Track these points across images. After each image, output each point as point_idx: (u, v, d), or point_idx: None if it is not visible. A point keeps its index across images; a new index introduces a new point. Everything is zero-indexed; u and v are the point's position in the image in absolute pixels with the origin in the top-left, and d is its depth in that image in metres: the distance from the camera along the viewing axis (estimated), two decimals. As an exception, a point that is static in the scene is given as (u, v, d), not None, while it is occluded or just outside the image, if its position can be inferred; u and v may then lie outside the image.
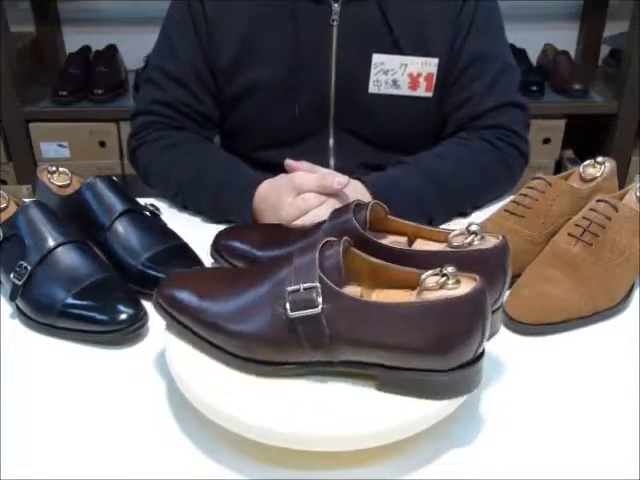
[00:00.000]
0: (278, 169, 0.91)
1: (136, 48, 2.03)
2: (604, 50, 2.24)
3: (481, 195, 0.98)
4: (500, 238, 0.60)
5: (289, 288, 0.54)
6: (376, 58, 0.97)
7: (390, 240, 0.67)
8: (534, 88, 1.99)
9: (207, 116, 1.04)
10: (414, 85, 0.99)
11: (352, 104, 1.00)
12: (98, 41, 2.12)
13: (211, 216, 0.94)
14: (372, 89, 0.99)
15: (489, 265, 0.59)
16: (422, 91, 1.00)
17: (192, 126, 1.03)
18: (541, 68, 2.13)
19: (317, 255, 0.54)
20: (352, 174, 0.89)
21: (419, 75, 0.99)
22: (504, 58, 1.03)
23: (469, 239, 0.60)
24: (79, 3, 2.14)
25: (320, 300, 0.52)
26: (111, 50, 2.11)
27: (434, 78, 0.99)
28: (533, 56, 2.15)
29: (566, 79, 2.02)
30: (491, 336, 0.61)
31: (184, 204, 0.97)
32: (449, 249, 0.61)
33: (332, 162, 1.05)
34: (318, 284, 0.53)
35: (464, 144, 0.99)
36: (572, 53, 2.17)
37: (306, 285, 0.53)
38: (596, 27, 2.20)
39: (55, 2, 2.14)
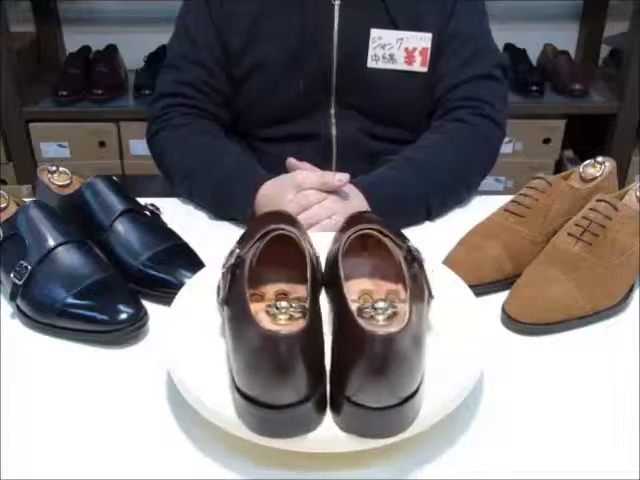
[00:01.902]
0: (283, 144, 0.97)
1: (136, 48, 2.03)
2: (604, 50, 2.25)
3: (466, 171, 1.00)
4: (398, 328, 0.48)
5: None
6: (374, 33, 1.02)
7: None
8: (534, 88, 1.99)
9: (223, 94, 1.08)
10: (410, 59, 1.04)
11: (352, 78, 1.05)
12: (98, 41, 2.13)
13: (213, 209, 0.96)
14: (370, 63, 1.03)
15: (363, 348, 0.48)
16: (417, 66, 1.04)
17: (211, 106, 1.07)
18: (541, 68, 2.13)
19: (259, 235, 0.59)
20: (354, 143, 0.95)
21: (414, 49, 1.03)
22: (484, 39, 1.08)
23: (373, 313, 0.51)
24: (79, 3, 2.14)
25: (227, 263, 0.57)
26: (111, 50, 2.11)
27: (428, 53, 1.04)
28: (533, 56, 2.15)
29: (566, 79, 2.02)
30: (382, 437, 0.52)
31: (190, 192, 0.99)
32: (354, 308, 0.52)
33: (334, 132, 1.08)
34: (237, 250, 0.58)
35: (439, 131, 1.03)
36: (572, 53, 2.17)
37: (233, 249, 0.59)
38: (596, 27, 2.20)
39: (55, 2, 2.14)
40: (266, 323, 0.50)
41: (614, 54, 2.19)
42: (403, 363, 0.49)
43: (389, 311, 0.51)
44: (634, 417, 0.61)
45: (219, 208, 0.95)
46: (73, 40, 2.18)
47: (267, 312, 0.52)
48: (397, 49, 1.03)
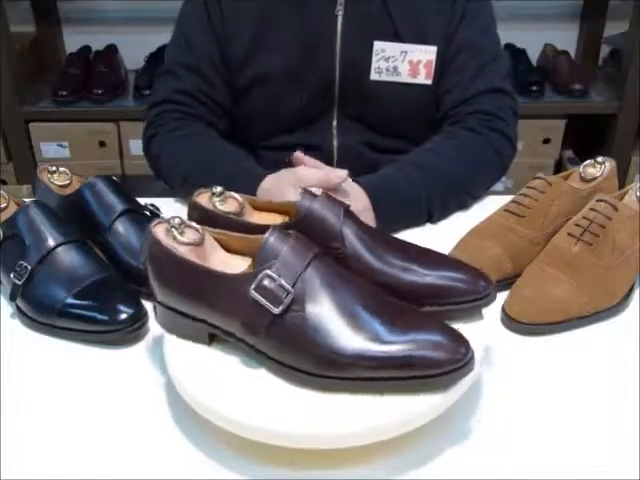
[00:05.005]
0: (283, 152, 0.95)
1: (136, 48, 2.04)
2: (604, 50, 2.25)
3: (473, 182, 0.99)
4: (164, 243, 0.60)
5: None
6: (377, 45, 1.01)
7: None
8: (534, 88, 1.99)
9: (221, 104, 1.07)
10: (414, 72, 1.02)
11: (355, 90, 1.03)
12: (98, 41, 2.13)
13: None
14: (374, 76, 1.02)
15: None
16: (422, 78, 1.03)
17: (208, 115, 1.06)
18: (541, 68, 2.13)
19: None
20: (355, 154, 0.92)
21: (419, 62, 1.02)
22: (493, 49, 1.06)
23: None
24: (79, 3, 2.14)
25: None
26: (111, 50, 2.11)
27: (433, 65, 1.02)
28: (533, 56, 2.15)
29: (566, 79, 2.02)
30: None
31: (189, 195, 0.98)
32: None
33: (335, 143, 1.07)
34: None
35: (450, 137, 1.02)
36: (572, 53, 2.17)
37: None
38: (596, 27, 2.20)
39: (55, 2, 2.14)
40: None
41: (614, 54, 2.19)
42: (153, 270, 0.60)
43: (180, 228, 0.61)
44: (634, 417, 0.61)
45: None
46: (73, 40, 2.18)
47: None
48: (401, 62, 1.01)
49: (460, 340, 0.55)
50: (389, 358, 0.53)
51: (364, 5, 1.00)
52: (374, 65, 1.01)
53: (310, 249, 0.57)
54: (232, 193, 0.70)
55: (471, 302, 0.62)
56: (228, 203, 0.69)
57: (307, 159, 0.92)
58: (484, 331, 0.62)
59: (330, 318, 0.55)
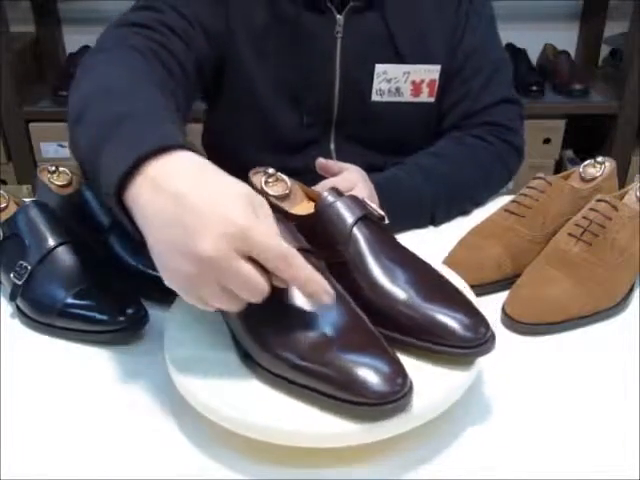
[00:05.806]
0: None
1: (136, 48, 2.03)
2: (604, 50, 2.25)
3: (478, 189, 0.99)
4: None
5: None
6: (379, 68, 0.97)
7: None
8: (534, 88, 1.99)
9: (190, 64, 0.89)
10: (417, 92, 1.00)
11: (355, 112, 1.00)
12: (98, 41, 2.13)
13: (87, 172, 0.66)
14: (375, 97, 0.99)
15: None
16: (425, 97, 1.01)
17: (186, 61, 0.87)
18: (541, 68, 2.13)
19: None
20: None
21: (422, 82, 0.99)
22: (497, 52, 1.06)
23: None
24: (79, 3, 2.14)
25: None
26: (111, 50, 2.11)
27: (437, 84, 1.00)
28: (533, 56, 2.15)
29: (566, 79, 2.02)
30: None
31: (75, 140, 0.66)
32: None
33: None
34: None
35: (458, 142, 1.01)
36: (572, 53, 2.17)
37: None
38: (596, 27, 2.20)
39: (55, 2, 2.14)
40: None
41: (614, 54, 2.19)
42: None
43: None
44: (634, 417, 0.61)
45: (90, 171, 0.61)
46: (73, 40, 2.18)
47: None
48: (403, 82, 0.98)
49: (400, 372, 0.51)
50: (319, 371, 0.52)
51: (364, 26, 0.96)
52: (375, 87, 0.98)
53: (298, 242, 0.57)
54: (284, 177, 0.71)
55: (464, 349, 0.56)
56: (278, 186, 0.71)
57: (331, 166, 0.86)
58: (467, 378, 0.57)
59: (288, 315, 0.55)
